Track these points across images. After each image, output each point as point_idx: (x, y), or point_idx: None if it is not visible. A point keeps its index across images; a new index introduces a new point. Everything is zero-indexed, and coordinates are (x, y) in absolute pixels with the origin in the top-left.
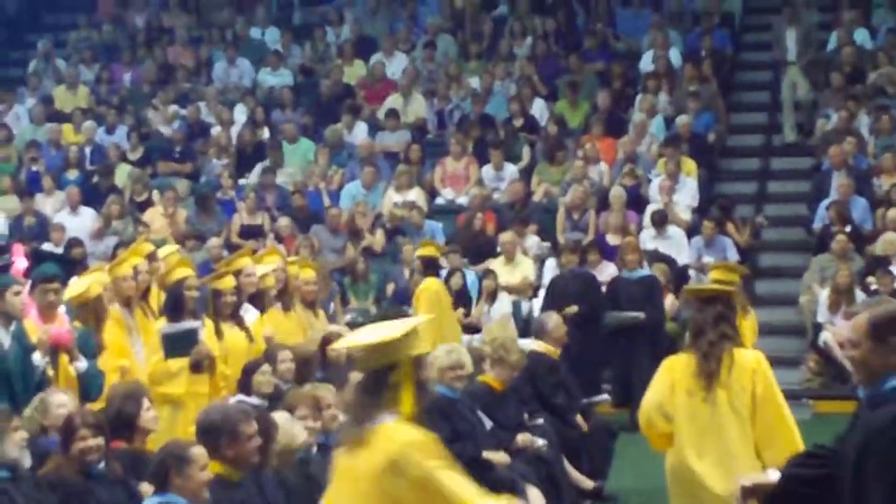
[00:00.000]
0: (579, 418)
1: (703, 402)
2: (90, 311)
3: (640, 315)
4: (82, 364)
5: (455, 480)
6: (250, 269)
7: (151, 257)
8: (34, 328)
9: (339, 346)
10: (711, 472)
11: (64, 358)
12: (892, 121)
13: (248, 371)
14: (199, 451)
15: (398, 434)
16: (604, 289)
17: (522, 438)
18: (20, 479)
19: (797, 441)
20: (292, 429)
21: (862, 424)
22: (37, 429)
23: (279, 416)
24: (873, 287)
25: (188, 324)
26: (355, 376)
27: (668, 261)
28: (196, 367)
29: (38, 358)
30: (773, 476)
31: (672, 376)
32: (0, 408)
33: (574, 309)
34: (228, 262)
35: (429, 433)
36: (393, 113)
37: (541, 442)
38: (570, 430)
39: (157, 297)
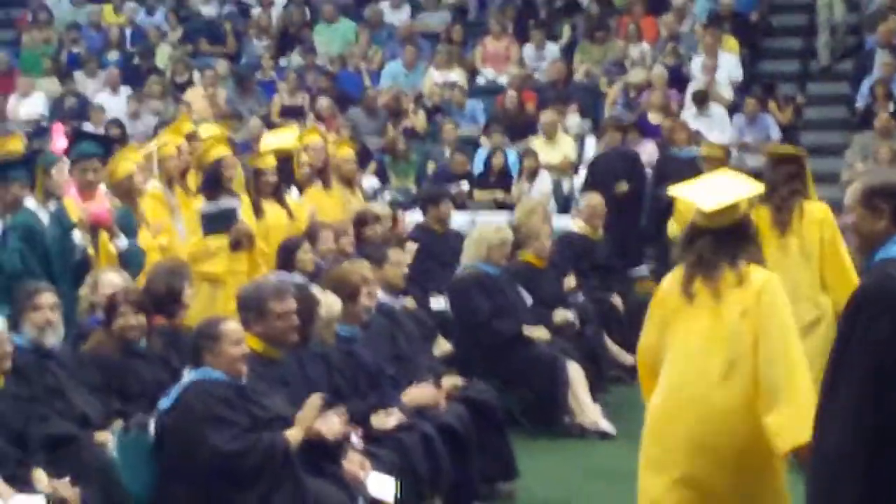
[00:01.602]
0: (617, 298)
1: (777, 249)
2: (124, 191)
3: None
4: (122, 242)
5: (796, 339)
6: (318, 143)
7: (192, 137)
8: (74, 207)
9: (688, 207)
10: None
11: (104, 236)
12: None
13: (287, 249)
14: (228, 327)
15: (761, 273)
16: (648, 167)
17: (557, 316)
18: (49, 357)
19: (856, 283)
20: (328, 299)
21: None
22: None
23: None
24: None
25: (226, 202)
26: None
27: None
28: (235, 246)
29: (78, 236)
30: None
31: None
32: (27, 286)
33: (625, 187)
34: (302, 135)
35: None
36: None
37: (571, 317)
38: (611, 307)
39: (194, 177)
